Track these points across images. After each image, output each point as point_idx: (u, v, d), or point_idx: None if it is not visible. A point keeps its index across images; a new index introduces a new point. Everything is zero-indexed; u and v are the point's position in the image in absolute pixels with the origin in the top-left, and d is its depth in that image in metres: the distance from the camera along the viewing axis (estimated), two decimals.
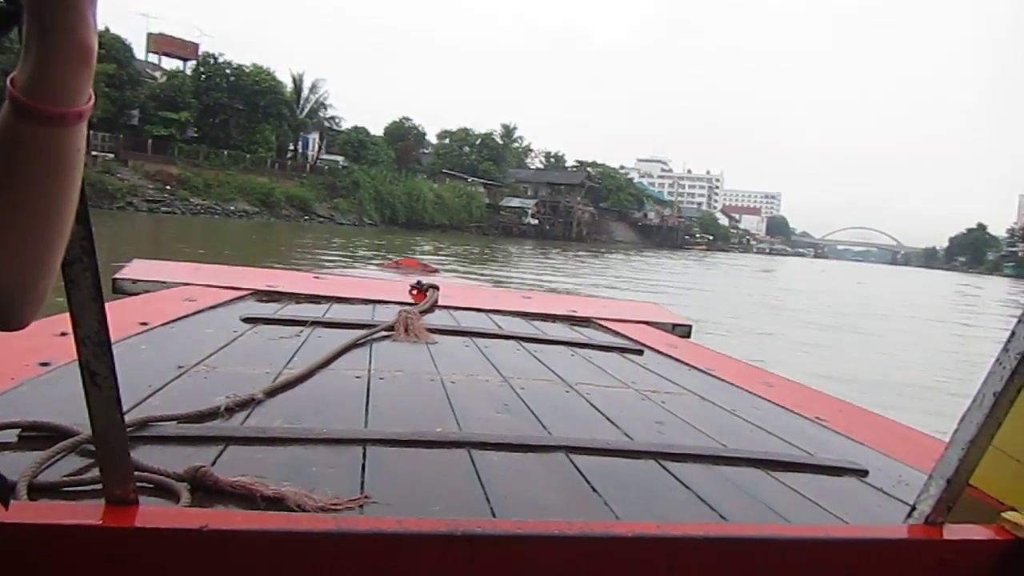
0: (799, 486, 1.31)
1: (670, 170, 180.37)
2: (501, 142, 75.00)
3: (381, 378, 1.80)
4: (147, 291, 2.84)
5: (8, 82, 0.52)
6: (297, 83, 53.13)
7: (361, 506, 1.00)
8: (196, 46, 52.15)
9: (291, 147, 53.04)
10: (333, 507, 0.98)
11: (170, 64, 51.21)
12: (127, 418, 0.93)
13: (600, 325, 3.17)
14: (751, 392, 2.12)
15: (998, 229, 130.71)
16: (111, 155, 38.60)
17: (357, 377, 1.79)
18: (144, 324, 2.09)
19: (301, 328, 2.36)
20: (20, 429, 1.15)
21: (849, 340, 13.08)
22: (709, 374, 2.35)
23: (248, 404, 1.43)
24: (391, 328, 2.40)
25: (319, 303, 3.02)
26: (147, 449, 1.14)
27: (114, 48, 38.41)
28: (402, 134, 66.49)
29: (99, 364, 0.75)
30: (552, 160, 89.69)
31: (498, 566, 0.88)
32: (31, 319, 0.60)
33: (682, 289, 21.86)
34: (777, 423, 1.78)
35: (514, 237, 61.22)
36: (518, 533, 0.89)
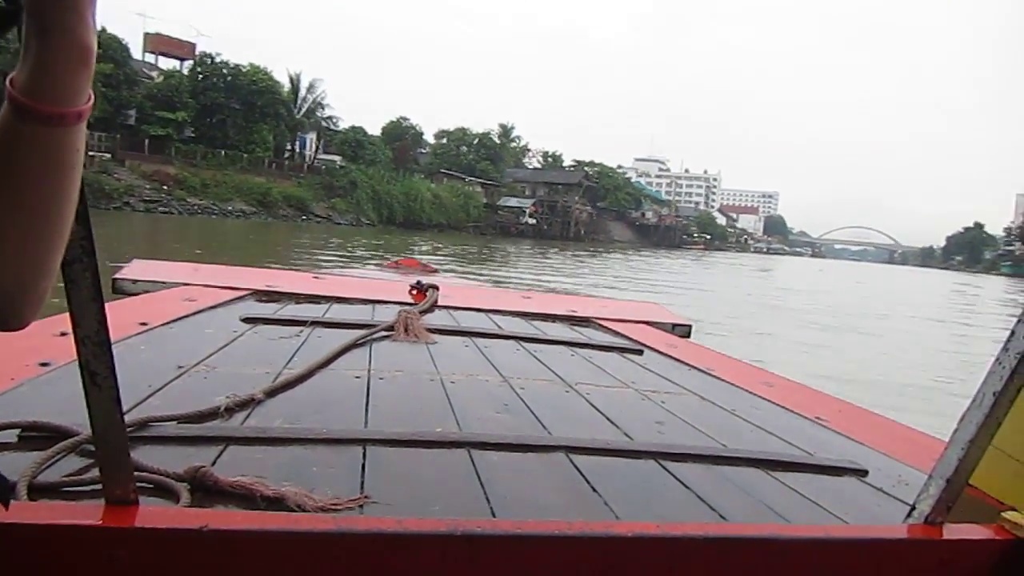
0: (799, 486, 1.31)
1: (667, 169, 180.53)
2: (499, 142, 75.00)
3: (381, 378, 1.80)
4: (147, 291, 2.84)
5: (7, 82, 0.52)
6: (294, 83, 53.10)
7: (361, 506, 1.00)
8: (193, 46, 52.11)
9: (288, 147, 52.99)
10: (333, 507, 0.97)
11: (167, 64, 51.20)
12: (127, 418, 0.93)
13: (600, 325, 3.17)
14: (751, 392, 2.12)
15: (995, 228, 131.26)
16: (108, 155, 38.55)
17: (357, 377, 1.78)
18: (144, 324, 2.08)
19: (301, 328, 2.36)
20: (20, 429, 1.14)
21: (849, 340, 13.10)
22: (709, 374, 2.35)
23: (248, 404, 1.43)
24: (391, 328, 2.40)
25: (319, 303, 3.01)
26: (147, 449, 1.13)
27: (110, 48, 38.36)
28: (399, 134, 66.48)
29: (99, 364, 0.75)
30: (550, 160, 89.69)
31: (498, 566, 0.88)
32: (31, 319, 0.60)
33: (681, 289, 21.88)
34: (777, 423, 1.78)
35: (512, 237, 61.24)
36: (518, 533, 0.89)
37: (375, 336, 2.28)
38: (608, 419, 1.66)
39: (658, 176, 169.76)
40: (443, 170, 65.89)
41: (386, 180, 54.25)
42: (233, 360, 1.85)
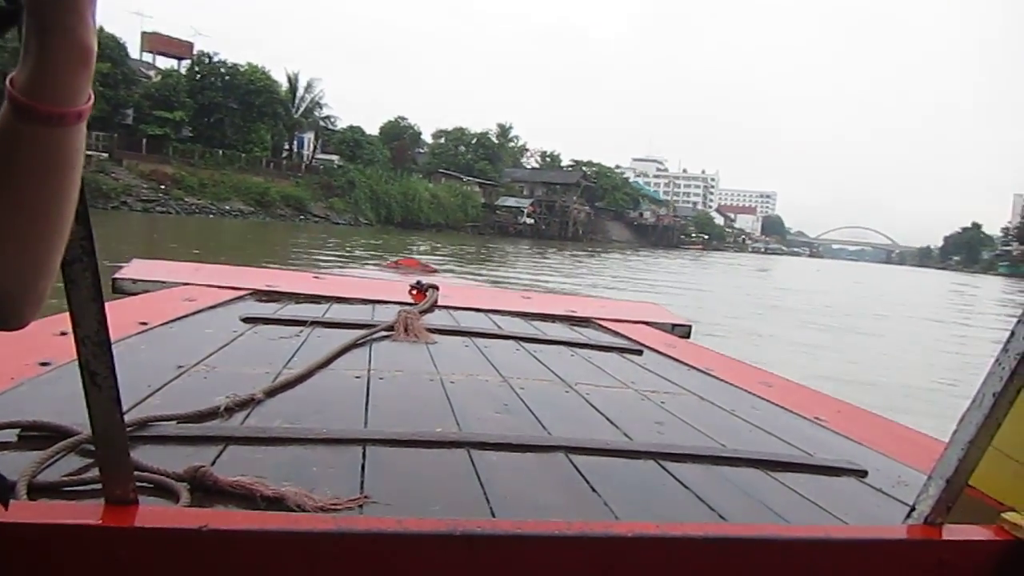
0: (798, 486, 1.31)
1: (666, 169, 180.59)
2: (497, 141, 75.06)
3: (381, 378, 1.80)
4: (147, 291, 2.84)
5: (7, 82, 0.51)
6: (292, 82, 53.08)
7: (361, 506, 1.00)
8: (191, 45, 52.07)
9: (286, 146, 53.00)
10: (333, 507, 0.97)
11: (165, 63, 51.12)
12: (127, 418, 0.93)
13: (599, 325, 3.18)
14: (750, 392, 2.12)
15: (993, 228, 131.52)
16: (105, 155, 38.54)
17: (357, 377, 1.78)
18: (144, 324, 2.08)
19: (301, 328, 2.36)
20: (20, 429, 1.14)
21: (847, 340, 13.12)
22: (708, 374, 2.35)
23: (248, 404, 1.42)
24: (391, 328, 2.40)
25: (319, 303, 3.01)
26: (147, 449, 1.13)
27: (108, 47, 38.28)
28: (398, 133, 66.54)
29: (99, 364, 0.75)
30: (548, 159, 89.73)
31: (498, 566, 0.88)
32: (31, 319, 0.60)
33: (680, 289, 21.90)
34: (776, 423, 1.78)
35: (510, 237, 61.28)
36: (517, 533, 0.89)
37: (375, 336, 2.28)
38: (607, 419, 1.66)
39: (656, 176, 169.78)
40: (441, 170, 65.92)
41: (384, 180, 54.26)
42: (233, 360, 1.85)
